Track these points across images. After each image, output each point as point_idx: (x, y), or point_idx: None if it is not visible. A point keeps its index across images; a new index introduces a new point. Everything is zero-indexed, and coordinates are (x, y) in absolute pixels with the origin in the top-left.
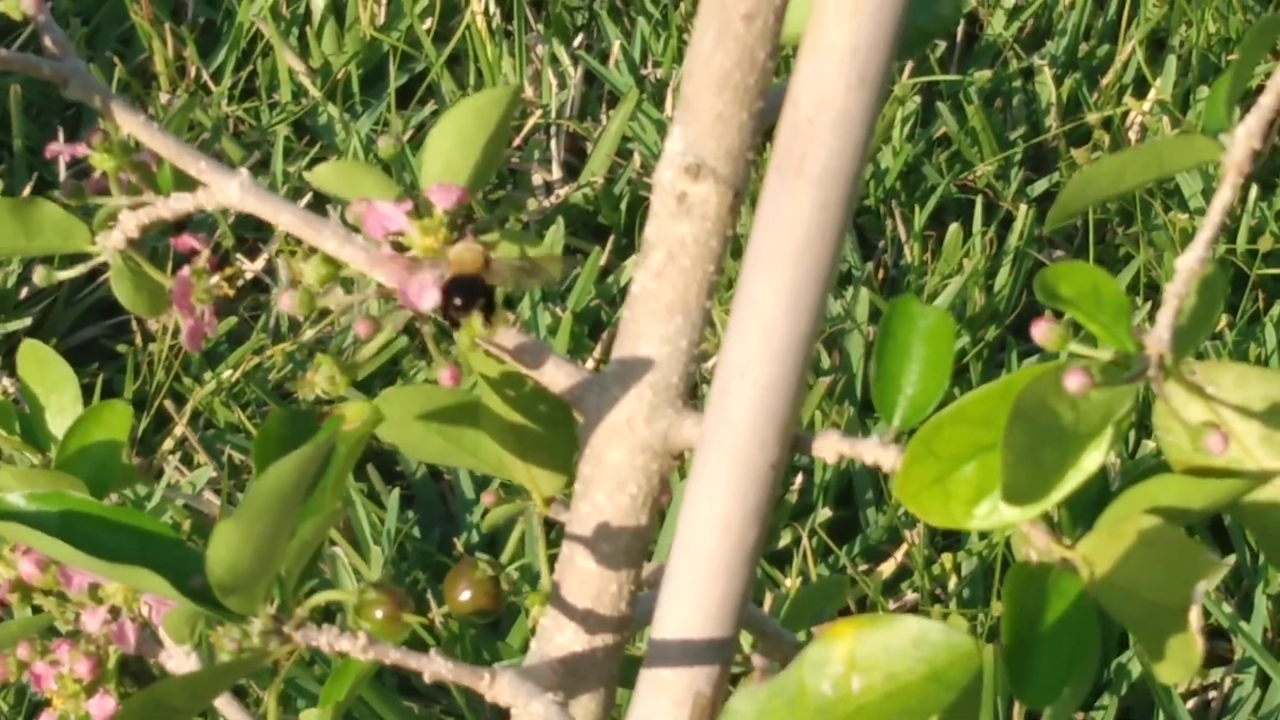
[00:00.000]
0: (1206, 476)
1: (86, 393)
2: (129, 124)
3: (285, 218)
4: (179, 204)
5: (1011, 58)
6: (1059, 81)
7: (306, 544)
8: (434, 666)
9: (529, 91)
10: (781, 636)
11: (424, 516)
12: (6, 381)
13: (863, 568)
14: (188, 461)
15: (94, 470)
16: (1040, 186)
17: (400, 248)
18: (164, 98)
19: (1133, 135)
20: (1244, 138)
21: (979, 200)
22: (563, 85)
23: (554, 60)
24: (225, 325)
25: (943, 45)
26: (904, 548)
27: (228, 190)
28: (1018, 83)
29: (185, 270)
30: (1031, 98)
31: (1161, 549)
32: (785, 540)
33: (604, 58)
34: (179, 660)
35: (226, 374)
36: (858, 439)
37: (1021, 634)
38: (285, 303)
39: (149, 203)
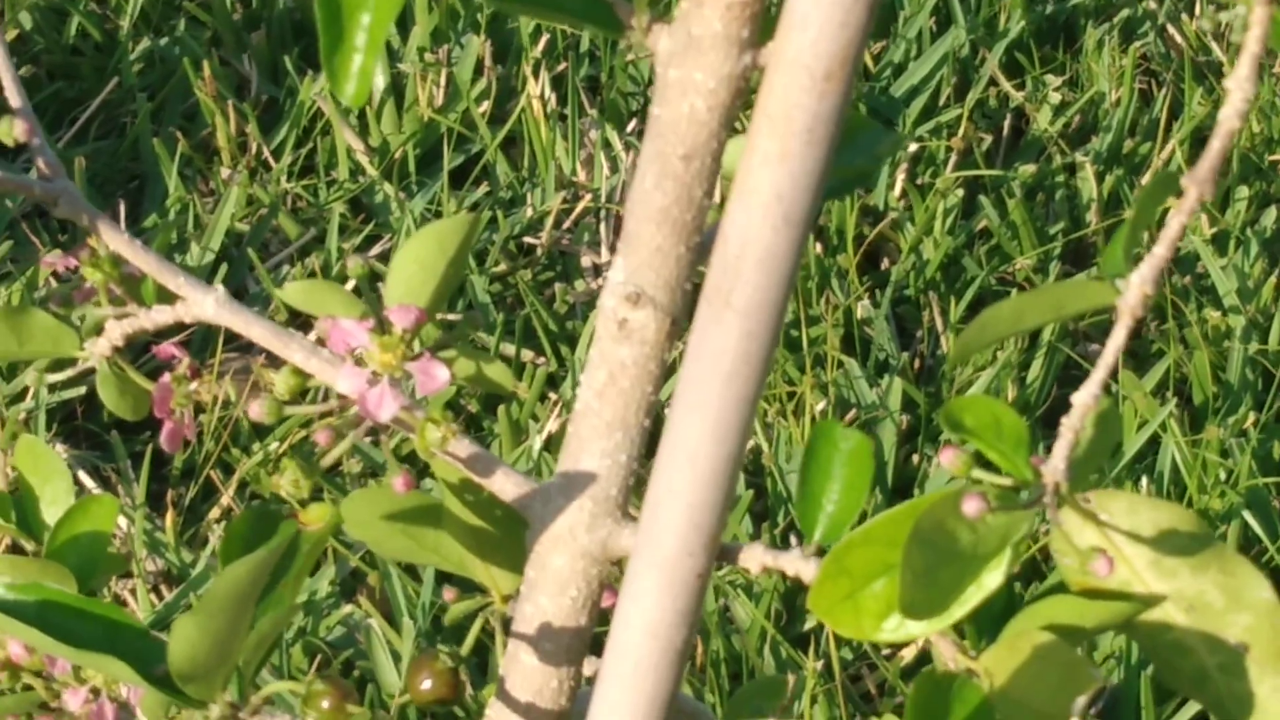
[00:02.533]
0: (1100, 598)
1: (136, 461)
2: (114, 241)
3: (257, 331)
4: (159, 316)
5: (1055, 153)
6: (1100, 178)
7: (264, 637)
8: None
9: (581, 175)
10: None
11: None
12: (60, 448)
13: (885, 652)
14: None
15: (81, 559)
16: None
17: (362, 362)
18: (225, 173)
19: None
20: (1137, 284)
21: (1013, 294)
22: (614, 169)
23: (606, 144)
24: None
25: (989, 140)
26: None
27: (204, 304)
28: (1061, 178)
29: (166, 377)
30: (1074, 193)
31: (1052, 664)
32: (810, 624)
33: None
34: None
35: (274, 445)
36: (781, 551)
37: None
38: (254, 410)
39: (132, 314)
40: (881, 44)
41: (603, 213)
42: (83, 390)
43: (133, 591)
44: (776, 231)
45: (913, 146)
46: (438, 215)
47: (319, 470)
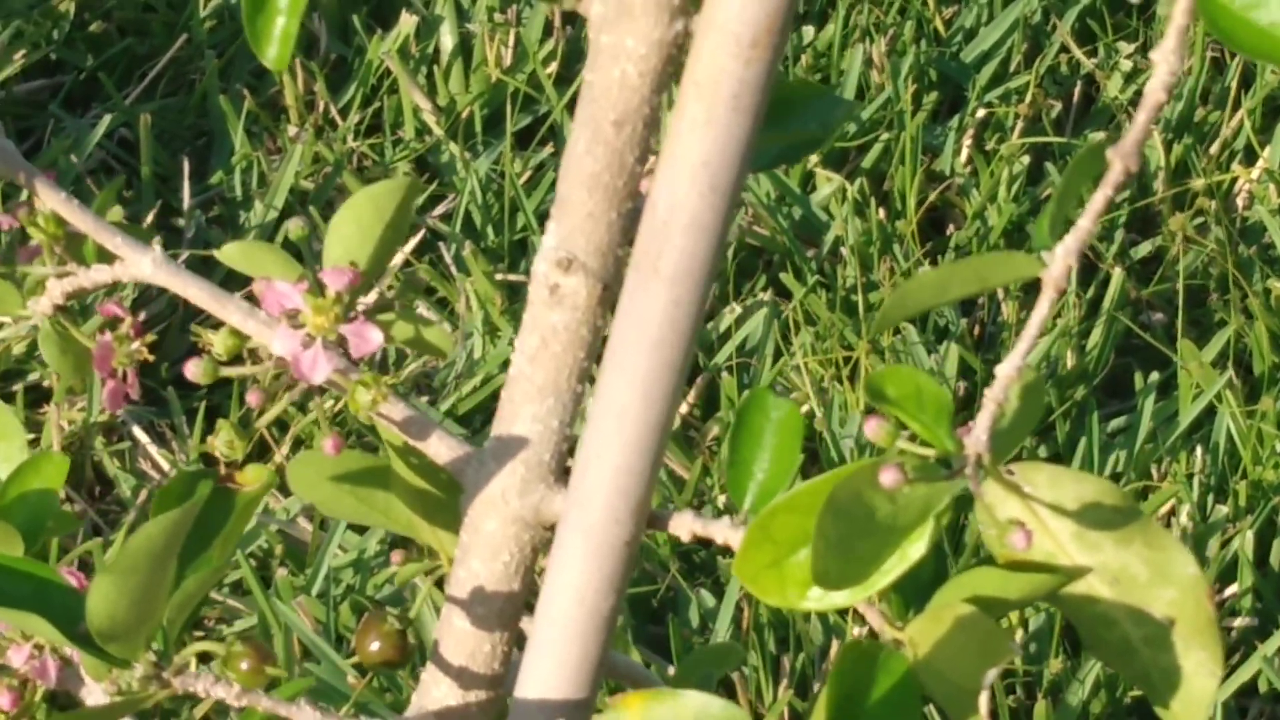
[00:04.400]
0: (1026, 570)
1: (190, 418)
2: (52, 200)
3: (193, 291)
4: (98, 275)
5: (1125, 121)
6: (1169, 146)
7: (190, 596)
8: (304, 716)
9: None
10: None
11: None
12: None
13: None
14: (284, 489)
15: (29, 517)
16: (1143, 250)
17: (298, 324)
18: (291, 130)
19: (1240, 202)
20: (1062, 256)
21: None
22: None
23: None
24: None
25: (1058, 107)
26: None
27: (141, 264)
28: None
29: (106, 335)
30: (1141, 161)
31: (972, 635)
32: None
33: None
34: (97, 696)
35: (329, 404)
36: (711, 520)
37: (847, 706)
38: (189, 370)
39: (72, 273)
40: (953, 9)
41: None
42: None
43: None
44: (703, 198)
45: (981, 113)
46: (502, 176)
47: (254, 432)
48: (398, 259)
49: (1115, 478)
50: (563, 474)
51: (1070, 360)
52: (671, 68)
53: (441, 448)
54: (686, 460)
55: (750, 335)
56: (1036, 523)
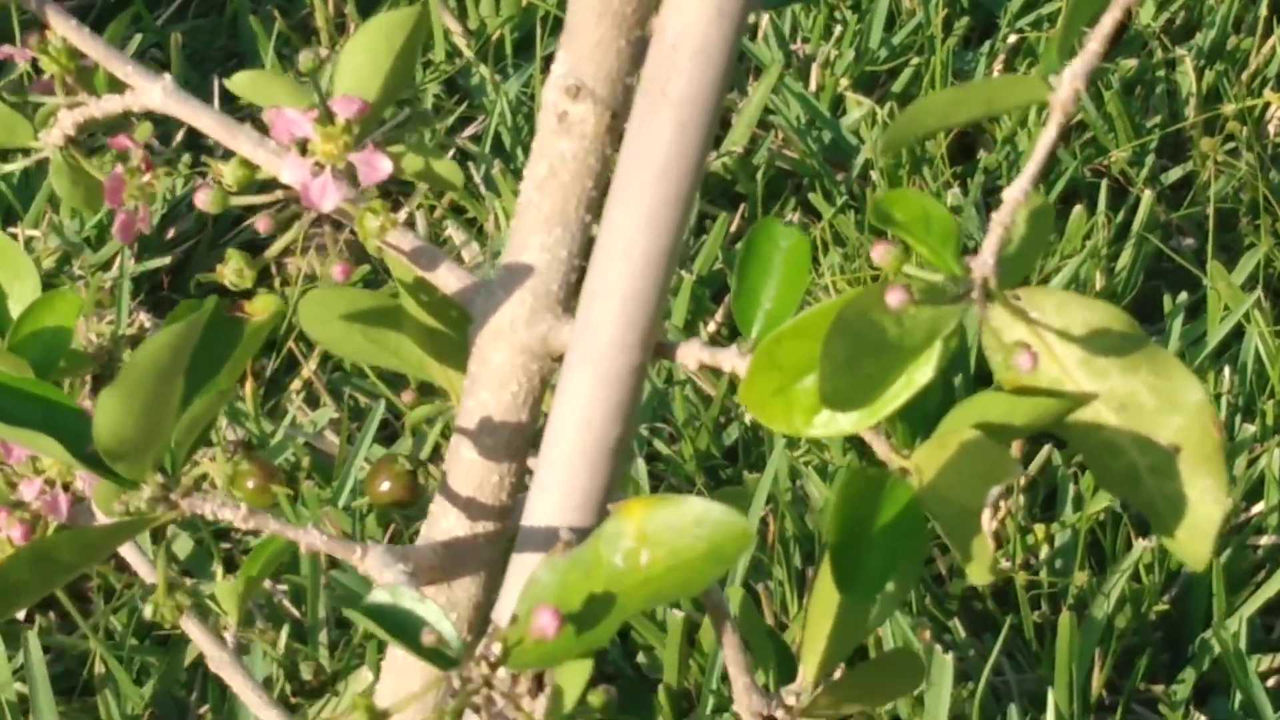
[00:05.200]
0: (1032, 396)
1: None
2: (62, 27)
3: (205, 120)
4: (109, 105)
5: (1157, 48)
6: (1200, 73)
7: (197, 418)
8: (309, 539)
9: None
10: None
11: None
12: (144, 317)
13: None
14: (313, 402)
15: (42, 352)
16: (1174, 175)
17: (307, 153)
18: (323, 52)
19: (1271, 128)
20: (1069, 79)
21: (1103, 184)
22: None
23: None
24: (360, 272)
25: (1089, 33)
26: (1000, 516)
27: (152, 93)
28: (1160, 72)
29: (118, 168)
30: (1173, 88)
31: (977, 459)
32: None
33: (753, 32)
34: None
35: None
36: (718, 348)
37: (852, 535)
38: (200, 199)
39: (83, 103)
40: None
41: None
42: (168, 260)
43: (212, 459)
44: (711, 21)
45: (1012, 38)
46: (531, 98)
47: (263, 261)
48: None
49: None
50: (571, 304)
51: (1100, 282)
52: None
53: (450, 278)
54: (711, 377)
55: None
56: (1043, 348)
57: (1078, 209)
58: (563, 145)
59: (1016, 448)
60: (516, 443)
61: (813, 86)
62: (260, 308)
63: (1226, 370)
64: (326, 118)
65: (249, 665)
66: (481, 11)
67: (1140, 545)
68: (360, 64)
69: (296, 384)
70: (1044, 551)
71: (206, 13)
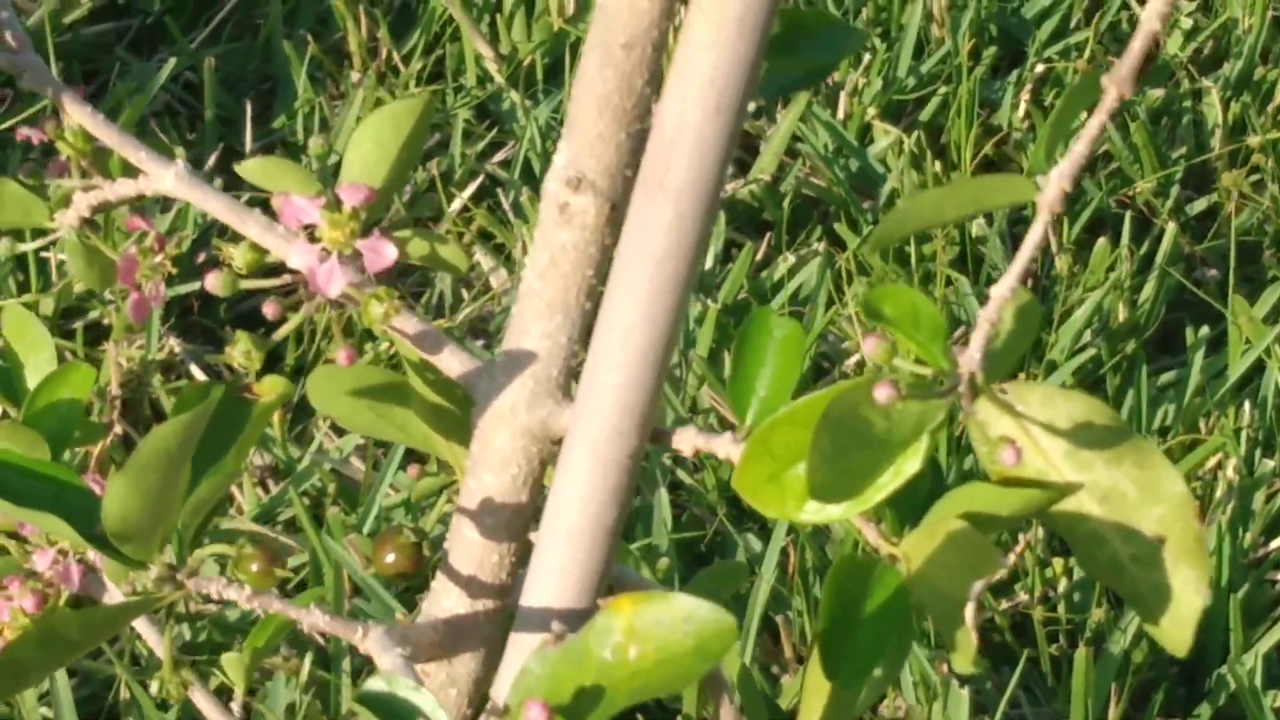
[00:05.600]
0: (1018, 487)
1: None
2: (78, 114)
3: (214, 205)
4: (122, 189)
5: (1184, 79)
6: (1226, 104)
7: (203, 501)
8: (312, 619)
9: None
10: None
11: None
12: (174, 342)
13: None
14: (339, 429)
15: (57, 425)
16: (1198, 206)
17: (314, 239)
18: (355, 76)
19: None
20: (1056, 179)
21: (1128, 216)
22: None
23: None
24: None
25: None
26: (1019, 549)
27: (165, 179)
28: (1187, 103)
29: (131, 248)
30: (1199, 118)
31: (963, 549)
32: None
33: None
34: (118, 601)
35: (385, 346)
36: (713, 435)
37: (840, 619)
38: (210, 283)
39: (98, 186)
40: None
41: None
42: (199, 285)
43: (239, 485)
44: (708, 117)
45: (1040, 68)
46: (561, 124)
47: (270, 343)
48: (456, 204)
49: (1163, 431)
50: (571, 388)
51: (1122, 314)
52: None
53: (454, 361)
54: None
55: (804, 284)
56: (1028, 441)
57: (1101, 242)
58: (563, 236)
59: None
60: (517, 523)
61: (840, 115)
62: (267, 389)
63: (1247, 405)
64: (334, 205)
65: (272, 691)
66: (513, 37)
67: None
68: (368, 150)
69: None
70: (1062, 585)
71: (240, 36)
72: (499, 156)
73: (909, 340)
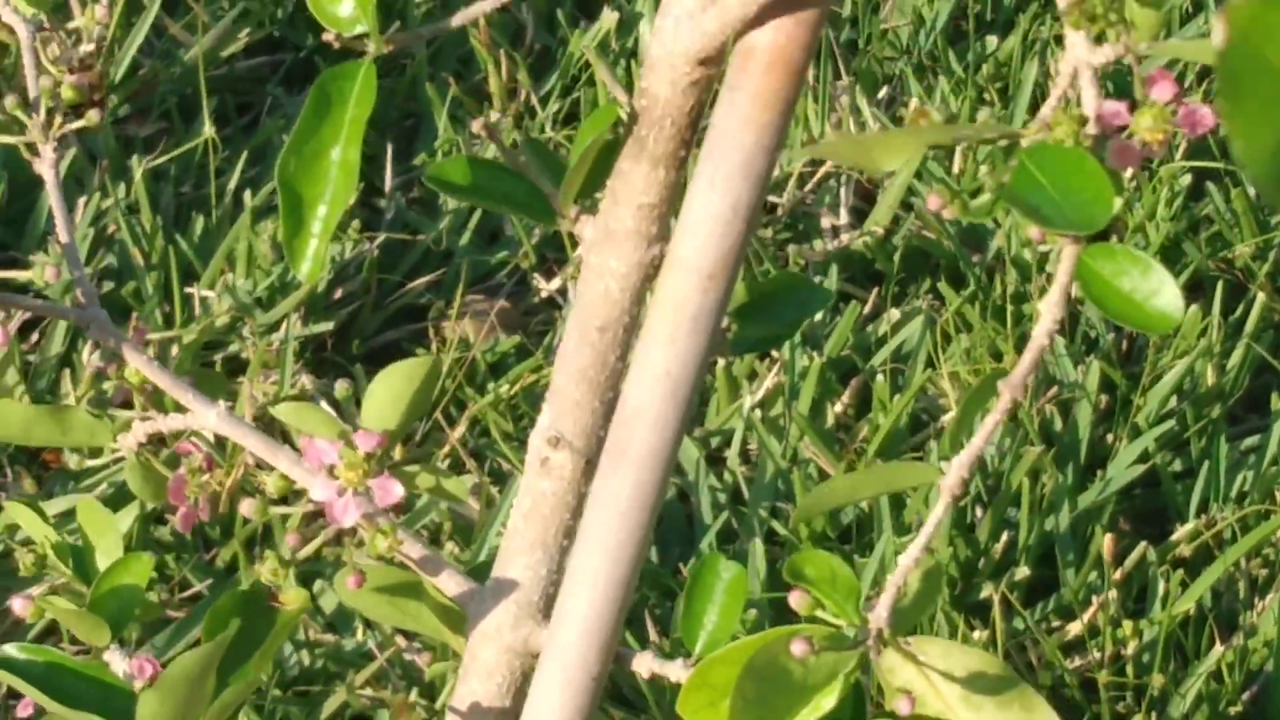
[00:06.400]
0: None
1: None
2: (136, 361)
3: (251, 442)
4: (173, 423)
5: None
6: None
7: (226, 705)
8: None
9: (831, 138)
10: None
11: (665, 537)
12: (306, 379)
13: (1055, 623)
14: (457, 467)
15: (117, 609)
16: None
17: (334, 476)
18: (494, 116)
19: None
20: (956, 468)
21: (1220, 281)
22: (862, 133)
23: (855, 110)
24: (511, 342)
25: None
26: (1092, 610)
27: (208, 417)
28: None
29: (181, 469)
30: None
31: None
32: (986, 593)
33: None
34: None
35: (504, 388)
36: (668, 661)
37: None
38: (244, 508)
39: (152, 418)
40: None
41: (844, 176)
42: (332, 324)
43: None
44: (663, 402)
45: None
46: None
47: (295, 561)
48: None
49: (1240, 498)
50: (549, 611)
51: (1211, 378)
52: (647, 284)
53: (450, 584)
54: (833, 459)
55: (907, 340)
56: (929, 686)
57: (1193, 309)
58: (544, 484)
59: (1108, 546)
60: None
61: (956, 168)
62: (292, 599)
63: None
64: (350, 449)
65: None
66: None
67: (1220, 648)
68: (383, 401)
69: (444, 449)
70: (1131, 646)
71: (386, 74)
72: None
73: (826, 599)
